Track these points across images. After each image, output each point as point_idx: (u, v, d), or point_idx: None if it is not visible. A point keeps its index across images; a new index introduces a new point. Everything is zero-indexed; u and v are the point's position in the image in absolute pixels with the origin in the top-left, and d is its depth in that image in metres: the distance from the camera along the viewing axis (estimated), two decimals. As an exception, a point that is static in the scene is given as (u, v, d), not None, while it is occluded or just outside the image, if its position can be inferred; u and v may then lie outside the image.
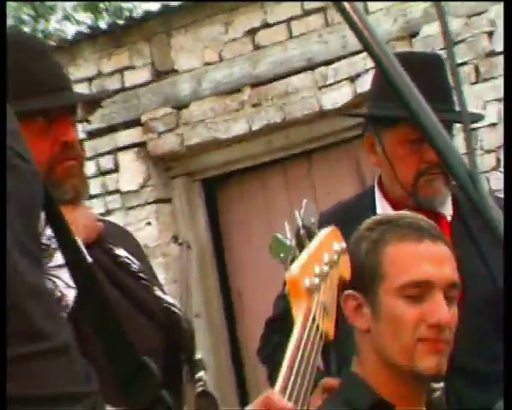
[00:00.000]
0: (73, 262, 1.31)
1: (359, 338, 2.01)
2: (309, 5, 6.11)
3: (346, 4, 1.23)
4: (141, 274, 2.45)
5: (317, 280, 1.39)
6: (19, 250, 1.06)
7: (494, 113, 5.78)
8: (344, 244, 1.58)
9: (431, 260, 1.96)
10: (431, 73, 2.71)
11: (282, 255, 1.51)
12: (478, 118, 3.59)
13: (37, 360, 1.04)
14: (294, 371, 1.29)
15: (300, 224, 1.59)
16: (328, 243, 1.51)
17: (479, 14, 5.84)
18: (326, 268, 1.44)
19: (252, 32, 6.46)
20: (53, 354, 1.06)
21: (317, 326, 1.37)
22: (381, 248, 1.97)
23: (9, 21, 14.73)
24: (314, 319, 1.36)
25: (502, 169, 5.79)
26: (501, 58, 5.77)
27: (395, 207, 2.69)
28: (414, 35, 5.93)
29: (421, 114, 1.21)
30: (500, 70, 5.76)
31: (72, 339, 1.13)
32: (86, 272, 1.33)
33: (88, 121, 6.75)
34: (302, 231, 1.57)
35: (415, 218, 2.05)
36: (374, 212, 2.67)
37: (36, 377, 1.03)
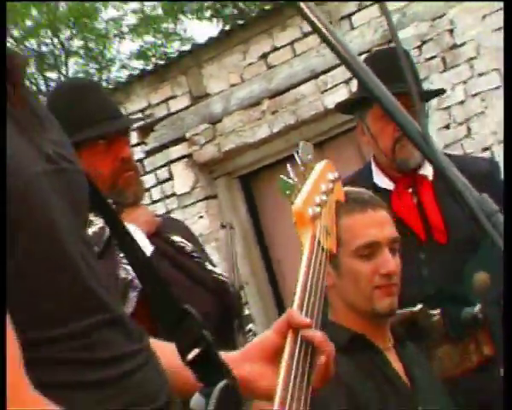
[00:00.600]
0: (130, 253, 1.27)
1: (329, 293, 2.07)
2: (308, 28, 6.14)
3: (304, 6, 1.20)
4: (194, 254, 2.53)
5: (318, 209, 1.34)
6: (79, 239, 1.05)
7: (461, 93, 5.83)
8: (337, 174, 1.51)
9: (375, 224, 2.03)
10: (392, 61, 2.51)
11: (287, 192, 1.45)
12: (438, 92, 3.58)
13: (106, 328, 1.04)
14: (308, 289, 1.24)
15: (299, 161, 1.52)
16: (323, 175, 1.45)
17: (440, 16, 5.86)
18: (324, 197, 1.39)
19: (264, 56, 6.51)
20: (116, 322, 1.06)
21: (322, 248, 1.31)
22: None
23: (80, 75, 14.93)
24: (319, 242, 1.31)
25: (473, 136, 5.84)
26: (461, 49, 5.80)
27: (387, 174, 2.73)
28: (391, 41, 5.92)
29: (382, 96, 1.21)
30: (462, 58, 5.81)
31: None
32: (143, 260, 1.27)
33: (145, 143, 6.84)
34: (301, 168, 1.50)
35: (358, 192, 2.13)
36: (371, 180, 2.71)
37: (105, 341, 1.03)
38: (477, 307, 2.44)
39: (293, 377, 1.14)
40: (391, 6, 5.56)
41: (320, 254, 1.30)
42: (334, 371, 1.26)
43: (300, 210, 1.31)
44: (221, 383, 1.15)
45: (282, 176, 1.48)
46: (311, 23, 1.22)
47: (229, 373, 1.17)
